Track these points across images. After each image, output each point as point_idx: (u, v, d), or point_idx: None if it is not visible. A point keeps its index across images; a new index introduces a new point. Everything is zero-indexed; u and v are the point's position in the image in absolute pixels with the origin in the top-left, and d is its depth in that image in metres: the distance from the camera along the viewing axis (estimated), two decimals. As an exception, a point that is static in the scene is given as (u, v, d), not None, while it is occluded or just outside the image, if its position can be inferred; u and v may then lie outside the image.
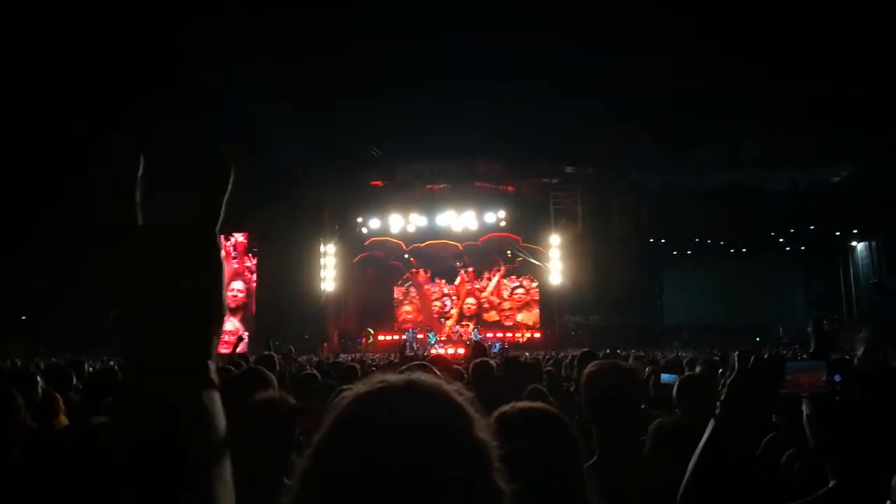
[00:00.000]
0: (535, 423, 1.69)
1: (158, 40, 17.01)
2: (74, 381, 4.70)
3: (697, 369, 5.29)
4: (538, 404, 1.80)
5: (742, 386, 1.47)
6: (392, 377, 0.88)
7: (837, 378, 1.49)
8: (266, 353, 5.40)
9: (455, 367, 5.37)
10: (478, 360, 5.07)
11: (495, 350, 16.36)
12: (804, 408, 1.73)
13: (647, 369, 4.78)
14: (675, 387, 3.29)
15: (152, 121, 18.13)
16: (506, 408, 1.77)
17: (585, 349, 4.72)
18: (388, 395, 0.85)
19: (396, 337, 24.45)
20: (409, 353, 18.10)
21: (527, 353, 15.64)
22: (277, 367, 4.69)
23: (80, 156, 19.27)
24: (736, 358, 1.52)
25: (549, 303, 24.87)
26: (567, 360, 6.32)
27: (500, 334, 24.03)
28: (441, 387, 0.88)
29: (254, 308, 24.43)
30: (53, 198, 20.37)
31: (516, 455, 1.65)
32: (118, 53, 16.84)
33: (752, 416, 1.54)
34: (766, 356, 1.56)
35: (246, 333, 23.74)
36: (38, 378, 3.36)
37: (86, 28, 16.20)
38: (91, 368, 5.82)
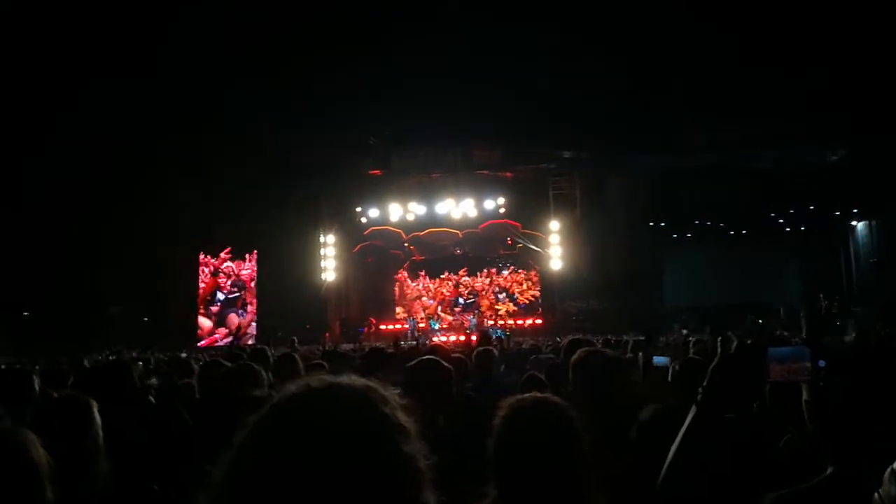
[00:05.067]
0: (544, 415, 1.70)
1: (149, 38, 16.96)
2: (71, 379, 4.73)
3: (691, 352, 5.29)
4: (547, 396, 1.81)
5: (724, 372, 1.46)
6: (314, 381, 0.85)
7: (822, 364, 1.48)
8: (258, 346, 5.43)
9: (455, 354, 5.37)
10: (481, 348, 5.09)
11: (496, 336, 16.38)
12: (804, 392, 1.72)
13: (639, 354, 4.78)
14: (671, 372, 3.29)
15: (148, 118, 18.14)
16: (514, 400, 1.77)
17: (574, 336, 4.73)
18: (306, 400, 0.82)
19: (398, 326, 24.49)
20: (411, 340, 18.21)
21: (528, 339, 15.70)
22: (271, 360, 4.72)
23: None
24: (718, 344, 1.51)
25: (549, 288, 24.87)
26: (557, 346, 6.34)
27: (500, 322, 24.06)
28: (365, 392, 0.84)
29: (255, 300, 24.45)
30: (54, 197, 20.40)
31: (520, 443, 1.67)
32: (103, 50, 16.79)
33: (735, 403, 1.54)
34: (749, 342, 1.55)
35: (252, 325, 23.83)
36: (35, 377, 3.38)
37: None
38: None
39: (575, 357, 2.34)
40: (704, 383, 1.49)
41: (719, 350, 1.50)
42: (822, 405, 1.58)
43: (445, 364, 2.66)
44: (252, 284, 24.63)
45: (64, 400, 2.38)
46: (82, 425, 2.22)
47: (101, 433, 2.26)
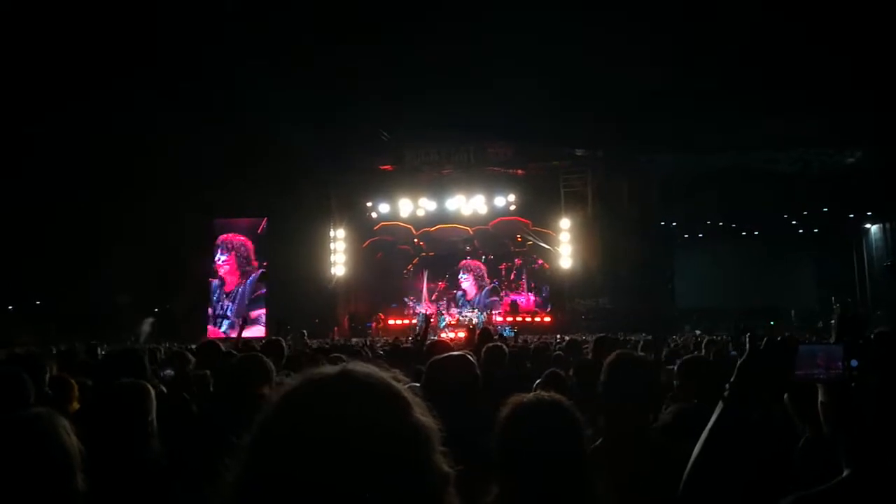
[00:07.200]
0: (546, 413, 1.71)
1: (159, 31, 16.98)
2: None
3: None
4: (550, 394, 1.83)
5: (753, 369, 1.42)
6: (327, 368, 0.90)
7: (855, 363, 1.43)
8: (273, 338, 5.42)
9: (461, 352, 5.33)
10: (490, 344, 5.06)
11: (505, 334, 16.31)
12: (819, 393, 1.67)
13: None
14: (676, 368, 3.28)
15: (154, 109, 18.17)
16: (517, 398, 1.79)
17: (601, 334, 4.69)
18: (321, 386, 0.86)
19: (407, 321, 24.48)
20: (418, 336, 18.13)
21: (537, 337, 15.65)
22: (286, 352, 4.70)
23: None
24: (747, 340, 1.47)
25: (559, 286, 24.79)
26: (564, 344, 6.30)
27: (509, 318, 23.98)
28: (375, 375, 0.89)
29: (265, 294, 24.55)
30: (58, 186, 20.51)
31: (523, 440, 1.67)
32: (112, 40, 16.83)
33: (763, 400, 1.50)
34: (779, 338, 1.51)
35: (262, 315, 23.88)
36: (46, 364, 3.37)
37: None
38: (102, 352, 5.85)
39: (611, 359, 2.33)
40: (732, 379, 1.45)
41: (748, 346, 1.46)
42: (848, 406, 1.53)
43: (473, 362, 2.61)
44: (261, 278, 24.73)
45: (128, 385, 2.49)
46: (144, 408, 2.39)
47: (155, 416, 2.42)
